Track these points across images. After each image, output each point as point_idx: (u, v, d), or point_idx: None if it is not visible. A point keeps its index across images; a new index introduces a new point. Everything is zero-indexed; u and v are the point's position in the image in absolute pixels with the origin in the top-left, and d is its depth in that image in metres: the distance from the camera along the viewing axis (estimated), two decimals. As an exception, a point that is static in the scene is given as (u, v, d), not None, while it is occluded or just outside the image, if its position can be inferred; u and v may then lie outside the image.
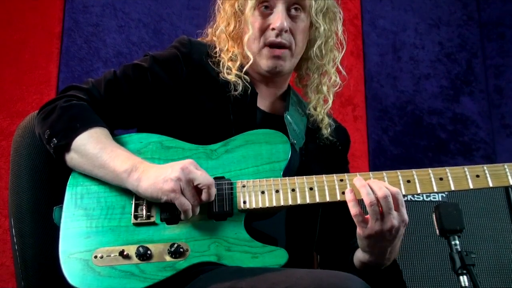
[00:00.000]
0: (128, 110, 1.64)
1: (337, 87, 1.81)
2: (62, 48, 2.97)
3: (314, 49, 1.75)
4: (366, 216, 1.40)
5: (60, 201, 1.50)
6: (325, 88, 1.79)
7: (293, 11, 1.67)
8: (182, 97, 1.65)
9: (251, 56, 1.67)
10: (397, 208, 1.38)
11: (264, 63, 1.68)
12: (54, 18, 2.99)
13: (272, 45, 1.66)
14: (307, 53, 1.77)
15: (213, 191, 1.42)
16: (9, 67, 2.86)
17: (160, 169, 1.42)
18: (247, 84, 1.67)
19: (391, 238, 1.40)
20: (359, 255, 1.54)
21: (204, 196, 1.41)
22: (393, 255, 1.50)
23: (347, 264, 1.63)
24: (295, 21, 1.68)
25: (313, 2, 1.69)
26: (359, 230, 1.41)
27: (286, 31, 1.65)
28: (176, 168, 1.39)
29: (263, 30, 1.67)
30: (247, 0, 1.66)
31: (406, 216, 1.40)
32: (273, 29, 1.64)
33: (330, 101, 1.80)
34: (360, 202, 1.41)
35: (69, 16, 3.02)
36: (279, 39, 1.65)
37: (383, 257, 1.47)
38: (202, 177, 1.40)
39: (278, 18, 1.64)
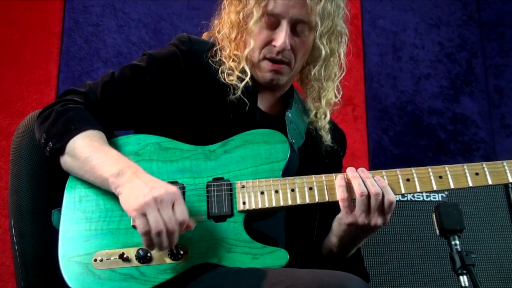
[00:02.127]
0: (126, 111, 1.62)
1: (334, 106, 1.80)
2: (62, 48, 2.98)
3: (315, 68, 1.73)
4: (354, 204, 1.45)
5: (60, 201, 1.49)
6: (324, 101, 1.77)
7: (298, 27, 1.63)
8: (181, 96, 1.63)
9: (247, 70, 1.64)
10: (388, 211, 1.44)
11: (262, 76, 1.67)
12: (54, 18, 2.99)
13: (271, 60, 1.64)
14: (308, 65, 1.76)
15: (174, 239, 1.33)
16: (9, 67, 2.86)
17: (136, 190, 1.34)
18: (248, 84, 1.65)
19: (367, 232, 1.48)
20: (327, 242, 1.58)
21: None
22: (359, 245, 1.60)
23: (317, 252, 1.65)
24: (299, 37, 1.64)
25: (319, 22, 1.63)
26: (341, 215, 1.46)
27: (287, 50, 1.62)
28: (146, 202, 1.31)
29: (265, 44, 1.64)
30: (252, 11, 1.62)
31: (388, 221, 1.46)
32: (275, 46, 1.62)
33: (328, 116, 1.78)
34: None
35: (69, 16, 3.02)
36: (279, 57, 1.63)
37: (351, 245, 1.55)
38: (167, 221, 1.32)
39: (281, 37, 1.60)
